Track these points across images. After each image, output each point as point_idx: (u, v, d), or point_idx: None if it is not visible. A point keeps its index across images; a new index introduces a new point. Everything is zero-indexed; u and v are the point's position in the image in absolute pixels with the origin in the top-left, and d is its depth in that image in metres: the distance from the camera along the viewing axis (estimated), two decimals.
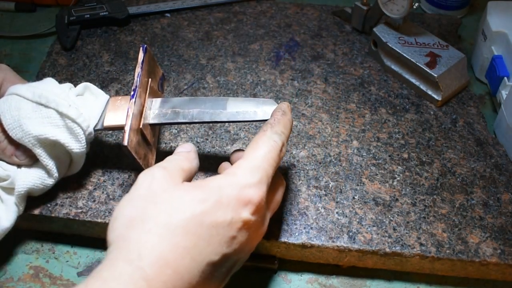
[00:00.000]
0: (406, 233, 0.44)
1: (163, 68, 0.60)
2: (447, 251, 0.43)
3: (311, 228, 0.44)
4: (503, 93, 0.56)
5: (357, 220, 0.45)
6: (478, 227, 0.45)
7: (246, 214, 0.33)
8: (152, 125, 0.45)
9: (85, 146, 0.44)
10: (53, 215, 0.45)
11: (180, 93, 0.57)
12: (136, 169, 0.46)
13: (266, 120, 0.41)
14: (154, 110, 0.44)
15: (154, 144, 0.46)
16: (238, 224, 0.33)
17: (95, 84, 0.47)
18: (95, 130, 0.44)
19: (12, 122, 0.41)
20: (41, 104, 0.42)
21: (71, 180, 0.47)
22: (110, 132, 0.52)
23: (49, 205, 0.46)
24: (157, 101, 0.45)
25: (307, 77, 0.59)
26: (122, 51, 0.62)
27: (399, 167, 0.50)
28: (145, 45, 0.45)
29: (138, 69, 0.43)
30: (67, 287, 0.45)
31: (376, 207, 0.46)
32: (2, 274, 0.45)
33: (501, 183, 0.49)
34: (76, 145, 0.43)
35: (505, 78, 0.56)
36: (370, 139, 0.52)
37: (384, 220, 0.45)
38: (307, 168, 0.49)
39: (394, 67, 0.59)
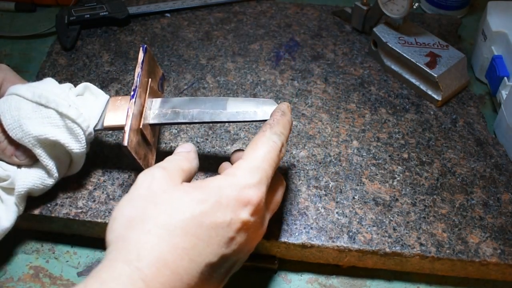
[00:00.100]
0: (406, 233, 0.44)
1: (163, 68, 0.60)
2: (447, 251, 0.43)
3: (311, 228, 0.44)
4: (503, 93, 0.56)
5: (357, 220, 0.45)
6: (478, 227, 0.45)
7: (245, 215, 0.33)
8: (152, 125, 0.45)
9: (85, 146, 0.44)
10: (53, 215, 0.45)
11: (180, 93, 0.57)
12: (136, 169, 0.46)
13: (266, 120, 0.41)
14: (154, 110, 0.44)
15: (154, 144, 0.46)
16: (237, 225, 0.33)
17: (95, 84, 0.47)
18: (95, 130, 0.44)
19: (12, 122, 0.41)
20: (41, 104, 0.42)
21: (71, 180, 0.47)
22: (110, 132, 0.52)
23: (49, 205, 0.46)
24: (157, 101, 0.45)
25: (307, 77, 0.59)
26: (122, 51, 0.62)
27: (399, 167, 0.50)
28: (145, 45, 0.45)
29: (138, 69, 0.43)
30: (67, 287, 0.45)
31: (376, 207, 0.46)
32: (2, 274, 0.45)
33: (501, 183, 0.49)
34: (76, 145, 0.43)
35: (505, 78, 0.56)
36: (370, 139, 0.52)
37: (384, 220, 0.45)
38: (307, 168, 0.49)
39: (394, 67, 0.59)
